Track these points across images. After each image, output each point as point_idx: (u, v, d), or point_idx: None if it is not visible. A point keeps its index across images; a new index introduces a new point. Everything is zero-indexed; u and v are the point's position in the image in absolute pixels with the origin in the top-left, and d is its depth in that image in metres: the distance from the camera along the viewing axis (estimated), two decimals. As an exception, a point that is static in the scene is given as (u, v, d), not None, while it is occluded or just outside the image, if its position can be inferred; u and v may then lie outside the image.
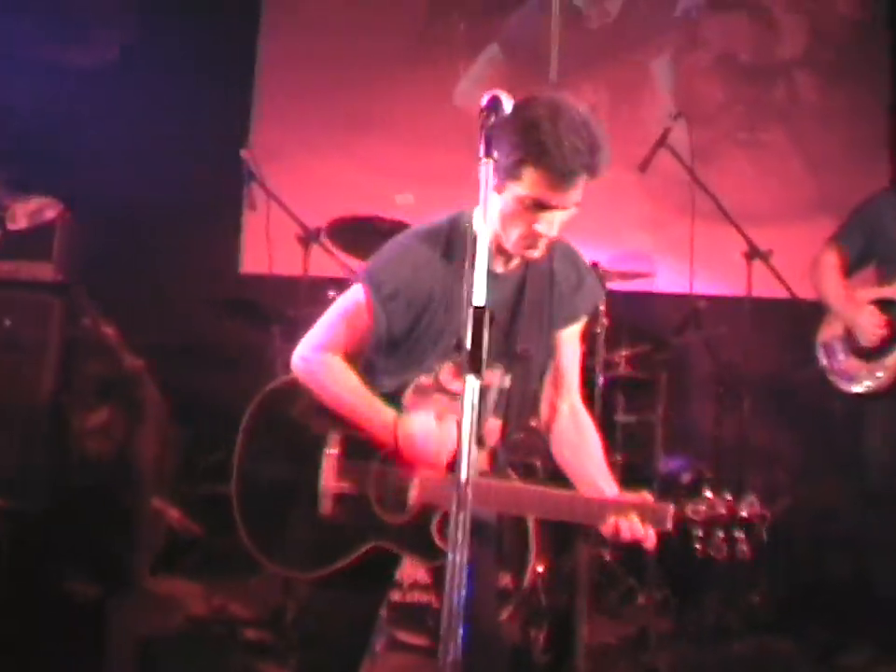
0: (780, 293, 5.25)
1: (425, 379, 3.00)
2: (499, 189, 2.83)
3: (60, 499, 5.02)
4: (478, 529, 2.39)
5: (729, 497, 2.73)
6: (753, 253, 5.27)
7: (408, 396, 2.99)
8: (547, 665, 4.65)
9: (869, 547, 5.07)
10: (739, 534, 2.70)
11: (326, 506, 2.99)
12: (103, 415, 5.28)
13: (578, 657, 4.60)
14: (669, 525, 2.73)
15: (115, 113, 6.51)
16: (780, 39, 6.86)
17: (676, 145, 5.33)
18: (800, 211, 6.62)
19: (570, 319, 3.13)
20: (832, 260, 5.01)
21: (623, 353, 5.50)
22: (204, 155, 6.45)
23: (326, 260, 5.29)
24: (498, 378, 3.03)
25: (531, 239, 2.86)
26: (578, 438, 3.12)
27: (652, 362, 5.58)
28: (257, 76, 7.13)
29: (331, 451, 3.02)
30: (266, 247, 5.44)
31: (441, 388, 3.01)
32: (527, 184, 2.78)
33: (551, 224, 2.84)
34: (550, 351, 3.11)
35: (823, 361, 5.01)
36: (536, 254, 2.93)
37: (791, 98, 6.85)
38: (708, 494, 2.75)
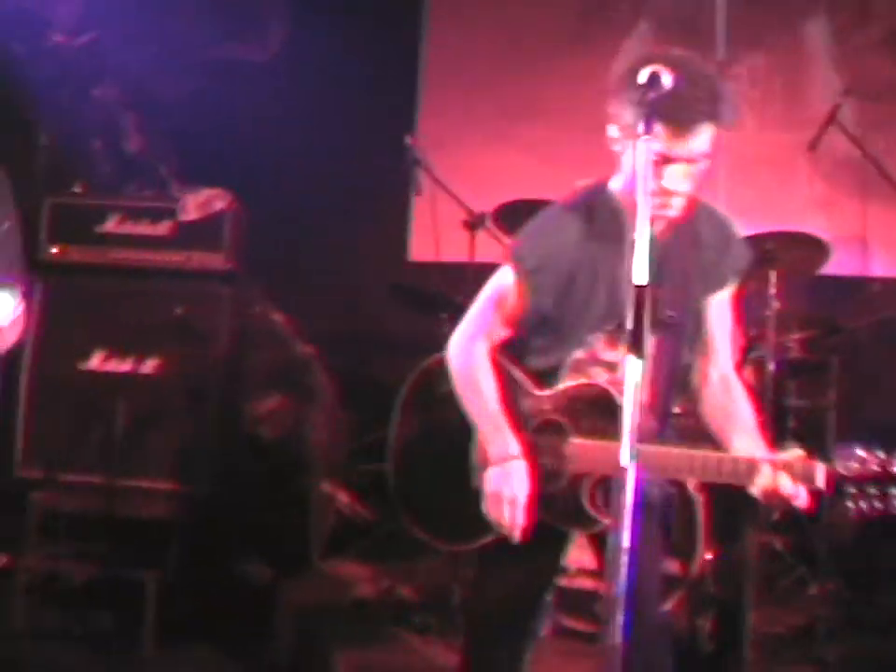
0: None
1: (580, 353, 3.00)
2: (623, 152, 2.86)
3: (232, 483, 5.15)
4: (642, 511, 2.36)
5: (882, 455, 2.66)
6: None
7: (565, 373, 3.00)
8: (713, 654, 4.59)
9: None
10: (894, 490, 2.63)
11: (475, 480, 3.02)
12: (273, 401, 5.40)
13: (745, 647, 4.52)
14: (821, 483, 2.65)
15: (283, 105, 6.63)
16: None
17: (846, 122, 5.16)
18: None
19: (718, 285, 3.08)
20: None
21: (795, 336, 5.37)
22: (372, 143, 6.51)
23: (493, 246, 5.29)
24: (651, 346, 2.94)
25: (663, 197, 2.81)
26: (728, 404, 3.06)
27: (825, 346, 5.44)
28: (422, 64, 7.19)
29: None
30: (433, 234, 5.49)
31: (597, 361, 3.00)
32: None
33: (678, 178, 2.79)
34: (698, 318, 3.06)
35: None
36: (671, 213, 2.87)
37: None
38: (860, 451, 2.67)
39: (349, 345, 6.23)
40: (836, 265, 5.82)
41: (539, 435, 2.98)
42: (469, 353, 3.07)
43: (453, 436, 3.09)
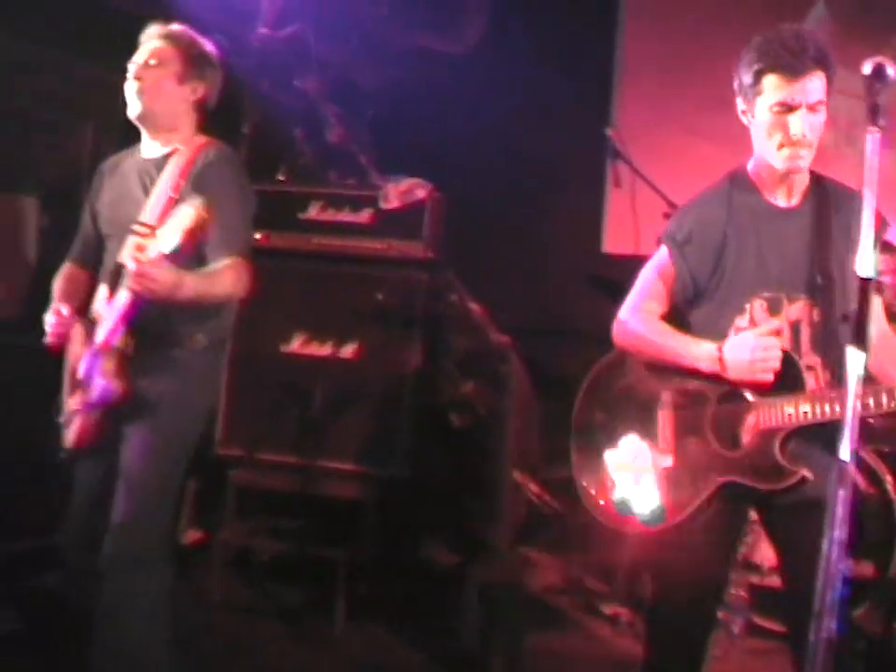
0: None
1: (740, 321, 3.13)
2: (752, 120, 3.12)
3: (423, 469, 5.21)
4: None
5: None
6: None
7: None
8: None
9: None
10: None
11: (665, 462, 3.14)
12: (467, 389, 5.43)
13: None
14: None
15: (479, 96, 6.67)
16: None
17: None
18: None
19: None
20: None
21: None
22: (567, 134, 6.51)
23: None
24: (807, 312, 3.10)
25: (792, 148, 3.04)
26: (891, 349, 3.15)
27: None
28: (617, 55, 7.14)
29: (664, 410, 3.18)
30: (629, 226, 5.46)
31: (757, 327, 3.11)
32: (769, 91, 3.04)
33: (802, 124, 3.01)
34: (850, 278, 3.05)
35: None
36: (802, 163, 3.08)
37: None
38: None
39: (542, 336, 6.22)
40: None
41: (721, 405, 3.07)
42: (635, 316, 3.28)
43: (637, 424, 3.23)
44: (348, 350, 5.17)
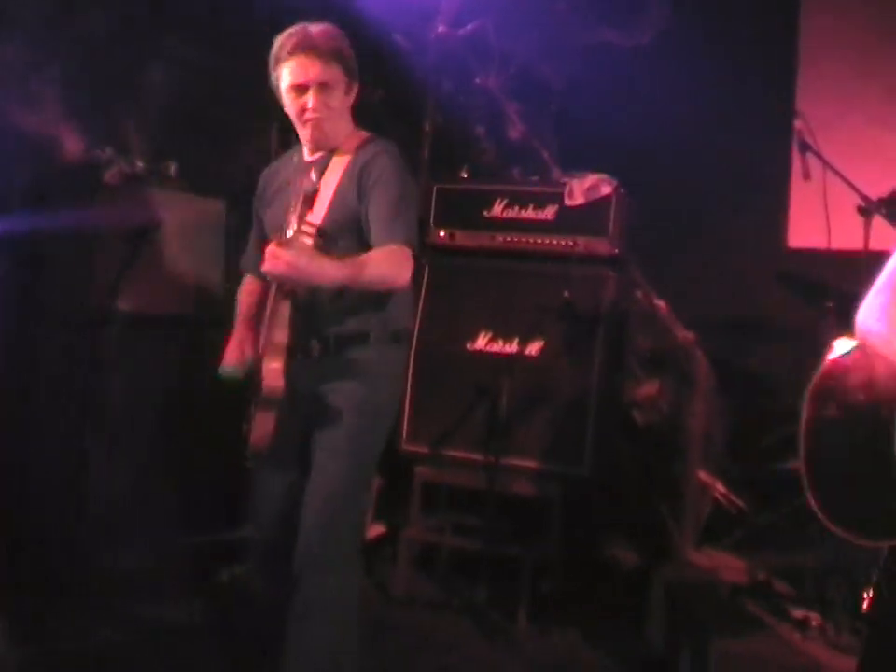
0: None
1: None
2: None
3: (608, 468, 5.18)
4: None
5: None
6: None
7: None
8: None
9: None
10: None
11: None
12: (652, 387, 5.38)
13: None
14: None
15: (660, 90, 6.57)
16: None
17: None
18: None
19: None
20: None
21: None
22: (749, 127, 6.41)
23: (887, 233, 5.06)
24: None
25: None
26: None
27: None
28: (800, 44, 6.99)
29: None
30: (819, 219, 5.33)
31: None
32: None
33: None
34: None
35: None
36: None
37: None
38: None
39: (728, 333, 6.13)
40: None
41: None
42: (884, 321, 2.95)
43: (874, 428, 2.93)
44: (534, 348, 5.16)
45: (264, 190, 3.90)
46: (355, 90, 3.71)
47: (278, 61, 3.61)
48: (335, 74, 3.59)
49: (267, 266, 3.30)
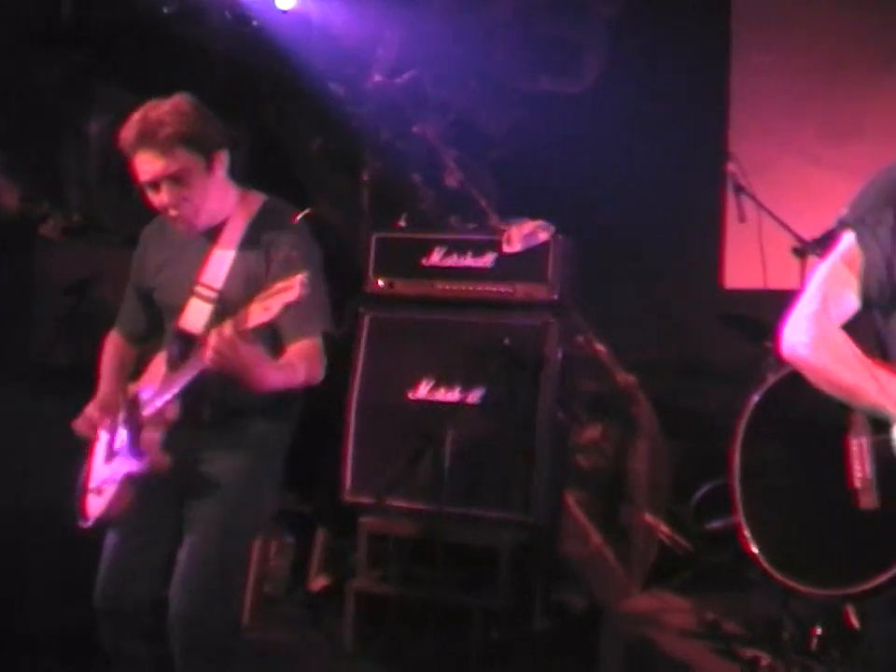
0: None
1: None
2: None
3: (556, 513, 5.17)
4: None
5: None
6: None
7: None
8: None
9: None
10: None
11: (867, 499, 2.56)
12: (595, 431, 5.40)
13: None
14: None
15: (598, 135, 6.66)
16: None
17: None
18: None
19: None
20: None
21: None
22: (680, 170, 6.50)
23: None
24: None
25: None
26: None
27: None
28: (732, 87, 7.09)
29: (859, 437, 2.60)
30: (754, 260, 5.40)
31: None
32: None
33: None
34: None
35: None
36: None
37: None
38: None
39: (670, 374, 6.18)
40: None
41: None
42: (812, 329, 2.65)
43: (816, 460, 2.68)
44: (476, 395, 5.14)
45: (145, 251, 3.70)
46: (220, 158, 3.44)
47: (126, 155, 3.37)
48: (183, 160, 3.32)
49: (220, 352, 3.03)
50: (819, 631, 4.69)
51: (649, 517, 5.53)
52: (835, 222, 2.73)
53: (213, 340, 3.04)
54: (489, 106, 6.47)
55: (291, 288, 2.92)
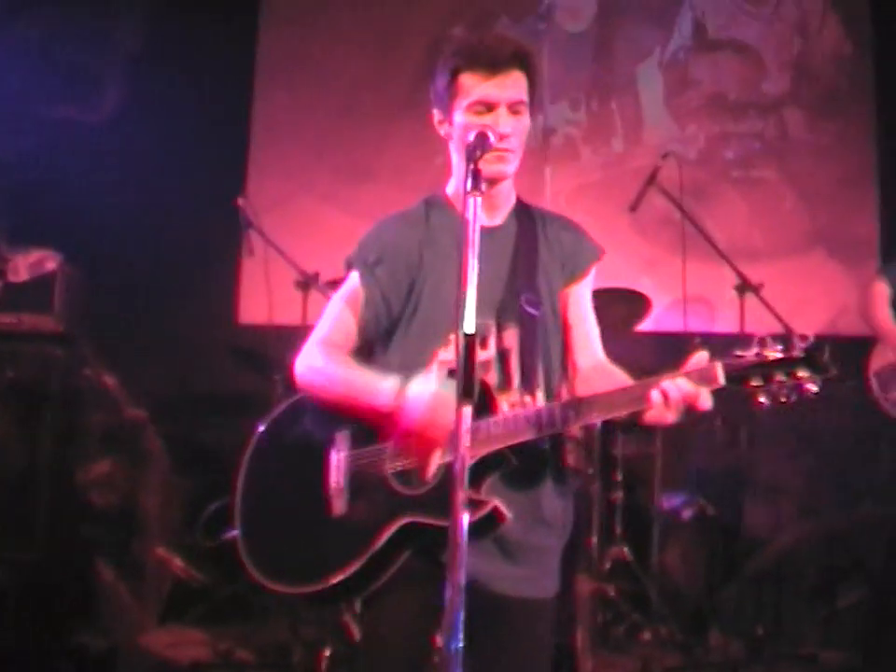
0: (774, 327, 5.23)
1: (444, 354, 2.82)
2: (450, 129, 2.89)
3: (63, 550, 5.03)
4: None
5: (779, 346, 2.54)
6: (744, 286, 5.30)
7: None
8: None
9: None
10: (803, 372, 2.50)
11: (338, 506, 2.82)
12: (105, 466, 5.30)
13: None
14: (721, 381, 2.56)
15: (113, 166, 6.60)
16: (768, 77, 6.97)
17: (667, 184, 5.38)
18: (792, 245, 6.70)
19: (573, 277, 3.01)
20: (882, 291, 5.11)
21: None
22: (200, 205, 6.53)
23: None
24: (515, 339, 2.86)
25: (496, 151, 2.74)
26: (605, 377, 2.88)
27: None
28: (252, 127, 7.25)
29: (339, 451, 2.85)
30: (263, 295, 5.52)
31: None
32: (465, 90, 2.81)
33: (504, 121, 2.78)
34: (555, 309, 2.96)
35: (877, 391, 5.07)
36: (506, 168, 2.85)
37: (780, 135, 6.93)
38: (756, 348, 2.55)
39: (184, 408, 6.19)
40: (656, 322, 6.06)
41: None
42: (317, 348, 2.91)
43: (307, 475, 2.88)
44: (-22, 429, 4.94)
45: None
46: None
47: None
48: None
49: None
50: (328, 652, 4.83)
51: (161, 551, 5.50)
52: (344, 262, 3.00)
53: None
54: (3, 131, 6.25)
55: None
